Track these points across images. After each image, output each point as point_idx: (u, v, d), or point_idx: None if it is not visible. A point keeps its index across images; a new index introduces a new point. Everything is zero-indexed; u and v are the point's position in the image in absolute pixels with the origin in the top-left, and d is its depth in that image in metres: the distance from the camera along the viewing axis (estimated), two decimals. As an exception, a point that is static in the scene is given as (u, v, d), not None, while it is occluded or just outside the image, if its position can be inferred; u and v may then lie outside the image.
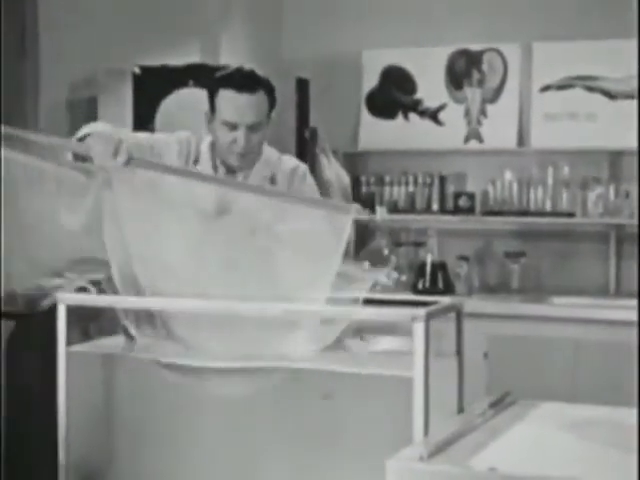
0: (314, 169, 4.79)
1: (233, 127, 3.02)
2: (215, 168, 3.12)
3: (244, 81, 3.03)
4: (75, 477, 2.67)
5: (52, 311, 2.69)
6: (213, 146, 3.12)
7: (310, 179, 3.26)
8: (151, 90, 4.47)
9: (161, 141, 3.13)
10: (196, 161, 3.13)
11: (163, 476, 2.61)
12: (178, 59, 4.55)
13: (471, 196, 5.30)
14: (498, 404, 2.52)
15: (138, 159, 2.75)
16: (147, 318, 2.75)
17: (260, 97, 3.03)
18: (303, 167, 3.26)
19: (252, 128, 3.02)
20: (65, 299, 2.67)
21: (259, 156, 3.12)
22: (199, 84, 4.44)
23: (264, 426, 2.53)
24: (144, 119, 4.42)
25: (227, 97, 3.02)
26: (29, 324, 3.93)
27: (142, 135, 3.19)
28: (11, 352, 3.90)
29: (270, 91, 3.08)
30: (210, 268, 2.73)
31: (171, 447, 2.60)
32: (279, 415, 2.52)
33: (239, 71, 3.10)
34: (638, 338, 4.04)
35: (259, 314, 2.63)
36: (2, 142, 2.89)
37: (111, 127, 3.02)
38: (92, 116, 4.46)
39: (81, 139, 2.82)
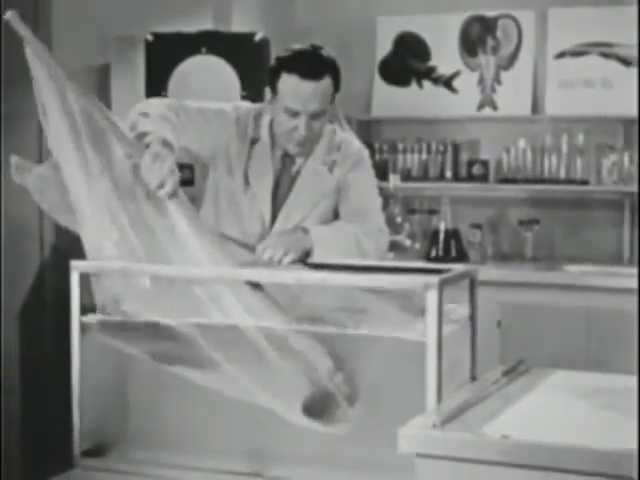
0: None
1: (294, 114, 2.90)
2: (273, 150, 3.04)
3: (309, 67, 2.89)
4: (89, 443, 2.68)
5: (65, 278, 2.69)
6: (272, 126, 3.03)
7: (369, 163, 3.19)
8: (163, 57, 4.45)
9: (214, 109, 3.03)
10: (255, 141, 3.04)
11: (178, 442, 2.62)
12: (191, 26, 4.53)
13: (485, 164, 5.29)
14: (511, 372, 2.52)
15: (180, 196, 2.64)
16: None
17: (325, 83, 2.91)
18: (365, 152, 3.18)
19: (315, 116, 2.91)
20: (78, 266, 2.67)
21: (318, 141, 3.04)
22: (212, 51, 4.43)
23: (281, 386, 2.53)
24: (156, 86, 4.41)
25: (290, 83, 2.89)
26: (43, 290, 3.96)
27: (191, 103, 3.02)
28: (25, 319, 3.93)
29: (335, 74, 2.95)
30: None
31: (186, 413, 2.61)
32: (296, 375, 2.52)
33: (303, 54, 2.94)
34: (638, 306, 4.03)
35: (272, 281, 2.63)
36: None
37: (167, 106, 2.89)
38: (104, 83, 4.46)
39: (139, 137, 2.67)
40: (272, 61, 3.00)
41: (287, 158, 3.06)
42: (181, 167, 2.74)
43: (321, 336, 2.50)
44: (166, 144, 2.69)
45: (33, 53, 2.58)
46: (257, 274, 2.65)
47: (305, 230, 2.94)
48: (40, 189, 2.65)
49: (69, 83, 2.59)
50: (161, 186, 2.59)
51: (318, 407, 2.47)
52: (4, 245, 3.83)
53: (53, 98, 2.57)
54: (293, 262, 2.83)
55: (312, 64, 2.91)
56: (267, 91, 2.99)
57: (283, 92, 2.92)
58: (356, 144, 3.18)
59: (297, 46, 2.99)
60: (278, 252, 2.82)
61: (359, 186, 3.13)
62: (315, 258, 2.88)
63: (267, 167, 3.05)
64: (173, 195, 2.61)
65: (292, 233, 2.94)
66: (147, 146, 2.64)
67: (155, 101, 3.01)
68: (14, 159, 2.63)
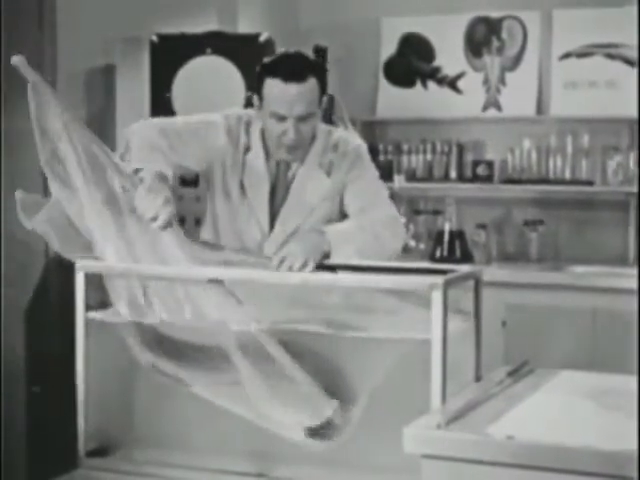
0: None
1: (282, 119, 2.87)
2: (267, 157, 3.00)
3: (292, 69, 2.85)
4: (93, 443, 2.69)
5: (71, 278, 2.69)
6: (263, 134, 3.00)
7: (367, 157, 3.14)
8: (168, 58, 4.46)
9: (204, 122, 3.01)
10: (247, 149, 3.01)
11: (182, 442, 2.62)
12: (195, 27, 4.54)
13: (490, 164, 5.29)
14: (516, 372, 2.52)
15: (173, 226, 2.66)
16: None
17: (310, 85, 2.87)
18: (363, 147, 3.12)
19: (302, 119, 2.87)
20: (84, 266, 2.67)
21: (312, 143, 3.00)
22: (217, 52, 4.43)
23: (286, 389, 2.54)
24: (161, 87, 4.42)
25: (274, 87, 2.85)
26: (48, 291, 3.96)
27: (180, 121, 3.03)
28: (31, 320, 3.93)
29: (321, 75, 2.91)
30: None
31: (190, 413, 2.61)
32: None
33: (286, 57, 2.92)
34: (638, 307, 4.03)
35: (279, 282, 2.64)
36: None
37: (158, 130, 2.88)
38: (109, 84, 4.47)
39: (136, 171, 2.70)
40: (258, 68, 2.98)
41: (282, 164, 3.02)
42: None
43: (322, 337, 2.51)
44: (161, 177, 2.70)
45: (37, 96, 2.57)
46: (263, 275, 2.66)
47: (321, 232, 2.86)
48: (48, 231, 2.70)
49: (72, 122, 2.61)
50: (155, 219, 2.61)
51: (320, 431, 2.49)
52: (8, 246, 3.83)
53: (64, 139, 2.60)
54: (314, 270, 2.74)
55: (294, 66, 2.88)
56: (255, 98, 2.97)
57: (268, 97, 2.88)
58: (353, 141, 3.12)
59: (281, 50, 2.98)
60: (297, 262, 2.71)
61: (362, 182, 3.07)
62: (334, 258, 2.81)
63: (262, 175, 3.01)
64: (167, 227, 2.63)
65: (307, 238, 2.85)
66: (141, 180, 2.67)
67: (145, 126, 2.95)
68: (19, 195, 2.65)
